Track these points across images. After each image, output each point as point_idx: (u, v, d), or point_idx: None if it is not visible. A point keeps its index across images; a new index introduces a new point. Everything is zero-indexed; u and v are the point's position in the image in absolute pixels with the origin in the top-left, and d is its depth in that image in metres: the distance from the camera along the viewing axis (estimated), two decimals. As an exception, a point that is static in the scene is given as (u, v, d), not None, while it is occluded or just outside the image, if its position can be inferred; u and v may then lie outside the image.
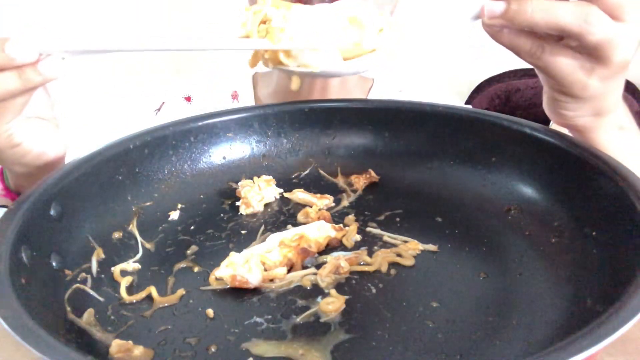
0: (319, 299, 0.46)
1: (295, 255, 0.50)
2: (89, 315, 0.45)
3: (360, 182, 0.62)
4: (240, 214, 0.59)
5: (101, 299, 0.47)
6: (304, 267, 0.50)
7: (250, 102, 0.92)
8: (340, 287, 0.47)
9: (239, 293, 0.47)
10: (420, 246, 0.51)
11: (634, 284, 0.36)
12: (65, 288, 0.46)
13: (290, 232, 0.53)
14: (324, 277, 0.48)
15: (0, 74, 0.48)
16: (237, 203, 0.60)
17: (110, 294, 0.48)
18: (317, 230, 0.53)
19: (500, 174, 0.58)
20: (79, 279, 0.48)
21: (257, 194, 0.60)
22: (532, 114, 1.30)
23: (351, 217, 0.57)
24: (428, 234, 0.53)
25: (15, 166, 0.59)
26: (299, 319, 0.44)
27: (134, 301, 0.47)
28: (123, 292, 0.48)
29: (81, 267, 0.49)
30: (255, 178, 0.61)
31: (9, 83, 0.48)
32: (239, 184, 0.61)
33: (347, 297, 0.46)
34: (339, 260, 0.49)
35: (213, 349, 0.42)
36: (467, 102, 1.39)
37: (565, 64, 0.51)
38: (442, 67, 1.63)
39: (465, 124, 0.61)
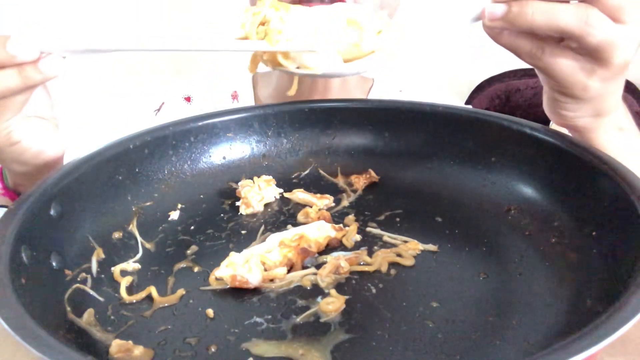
0: (319, 299, 0.46)
1: (295, 255, 0.50)
2: (89, 315, 0.45)
3: (360, 182, 0.62)
4: (240, 214, 0.59)
5: (101, 299, 0.47)
6: (304, 267, 0.50)
7: (250, 102, 0.92)
8: (340, 287, 0.47)
9: (239, 293, 0.47)
10: (420, 246, 0.51)
11: (634, 284, 0.36)
12: (65, 288, 0.46)
13: (290, 232, 0.53)
14: (324, 277, 0.48)
15: (0, 72, 0.48)
16: (237, 203, 0.60)
17: (110, 294, 0.48)
18: (317, 230, 0.53)
19: (500, 174, 0.58)
20: (79, 279, 0.48)
21: (257, 194, 0.60)
22: (532, 114, 1.30)
23: (351, 217, 0.57)
24: (428, 234, 0.53)
25: (13, 164, 0.59)
26: (299, 319, 0.44)
27: (134, 301, 0.47)
28: (123, 292, 0.48)
29: (81, 267, 0.49)
30: (255, 178, 0.61)
31: (9, 80, 0.48)
32: (239, 184, 0.61)
33: (347, 297, 0.46)
34: (339, 260, 0.49)
35: (213, 349, 0.42)
36: (467, 102, 1.39)
37: (566, 65, 0.51)
38: (442, 67, 1.63)
39: (465, 124, 0.61)
